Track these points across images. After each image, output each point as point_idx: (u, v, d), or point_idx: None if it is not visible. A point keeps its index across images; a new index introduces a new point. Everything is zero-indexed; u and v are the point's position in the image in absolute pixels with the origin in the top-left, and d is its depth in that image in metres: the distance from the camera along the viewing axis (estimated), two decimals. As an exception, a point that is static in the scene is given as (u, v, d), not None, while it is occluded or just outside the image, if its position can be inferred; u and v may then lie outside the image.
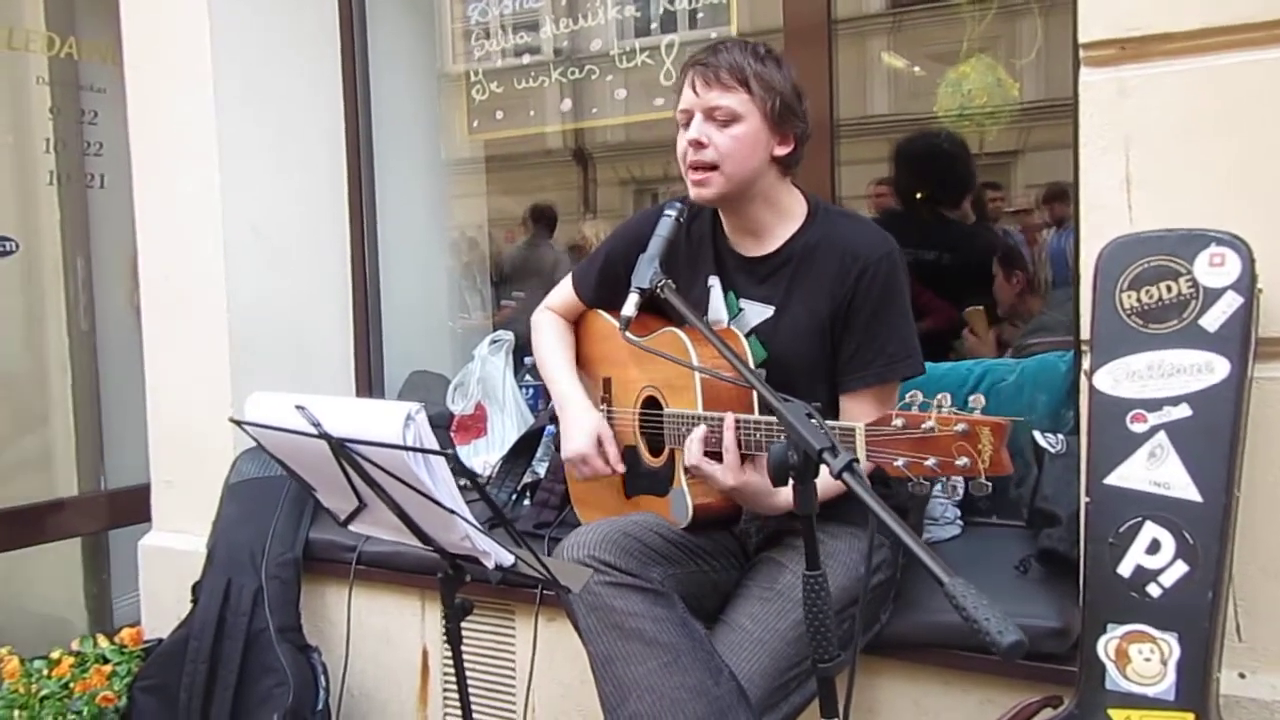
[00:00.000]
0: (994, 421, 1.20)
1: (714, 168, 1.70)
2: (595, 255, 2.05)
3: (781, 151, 1.74)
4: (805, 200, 1.83)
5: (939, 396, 1.25)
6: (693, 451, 1.62)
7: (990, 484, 1.22)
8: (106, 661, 2.48)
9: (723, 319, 1.84)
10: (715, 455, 1.62)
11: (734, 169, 1.70)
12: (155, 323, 2.83)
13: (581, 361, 2.08)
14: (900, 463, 1.27)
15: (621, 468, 1.90)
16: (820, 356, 1.75)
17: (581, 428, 1.90)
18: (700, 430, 1.63)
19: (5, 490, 3.13)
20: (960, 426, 1.21)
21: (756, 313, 1.81)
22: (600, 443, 1.88)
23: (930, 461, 1.23)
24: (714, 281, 1.86)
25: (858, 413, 1.63)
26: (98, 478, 3.43)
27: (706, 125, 1.69)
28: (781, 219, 1.80)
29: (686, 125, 1.73)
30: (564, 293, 2.10)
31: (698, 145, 1.70)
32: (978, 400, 1.23)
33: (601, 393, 2.02)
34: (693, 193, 1.75)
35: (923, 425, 1.24)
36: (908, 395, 1.28)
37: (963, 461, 1.21)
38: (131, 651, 2.52)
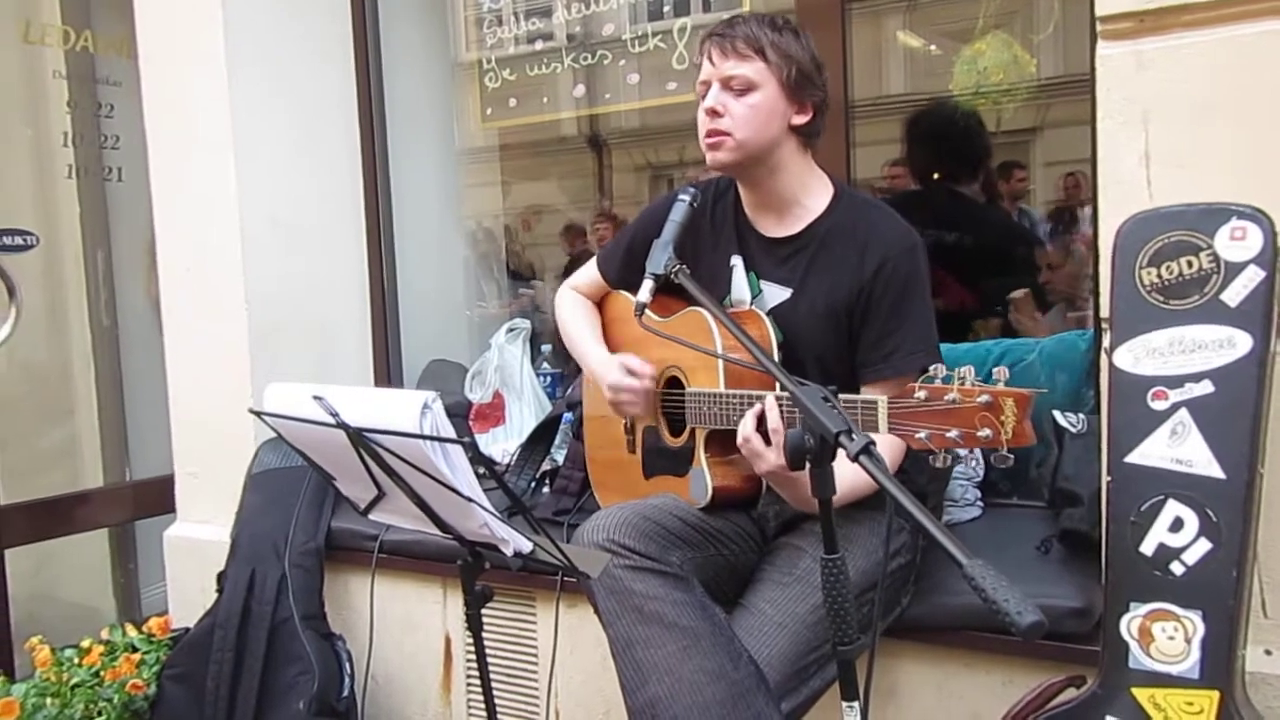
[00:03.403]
0: (1018, 392, 1.20)
1: (729, 134, 1.71)
2: (621, 237, 2.06)
3: (800, 120, 1.74)
4: (831, 184, 1.82)
5: (962, 369, 1.24)
6: (747, 424, 1.56)
7: (1013, 456, 1.21)
8: (135, 650, 2.51)
9: (745, 299, 1.84)
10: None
11: (748, 135, 1.71)
12: (175, 314, 2.85)
13: (606, 343, 2.09)
14: (922, 435, 1.26)
15: (652, 369, 1.86)
16: (834, 342, 1.75)
17: (606, 368, 1.90)
18: (757, 407, 1.57)
19: (34, 482, 3.17)
20: (984, 398, 1.20)
21: (774, 294, 1.81)
22: (628, 370, 1.85)
23: (953, 433, 1.23)
24: (737, 261, 1.86)
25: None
26: (123, 469, 3.47)
27: (723, 94, 1.71)
28: (804, 197, 1.80)
29: (703, 95, 1.74)
30: (589, 273, 2.11)
31: (713, 114, 1.71)
32: (1001, 373, 1.22)
33: None
34: (708, 158, 1.75)
35: (945, 397, 1.23)
36: (931, 369, 1.28)
37: (985, 433, 1.21)
38: (159, 640, 2.55)
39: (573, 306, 2.11)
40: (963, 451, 1.32)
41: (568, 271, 3.94)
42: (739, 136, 1.71)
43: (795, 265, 1.79)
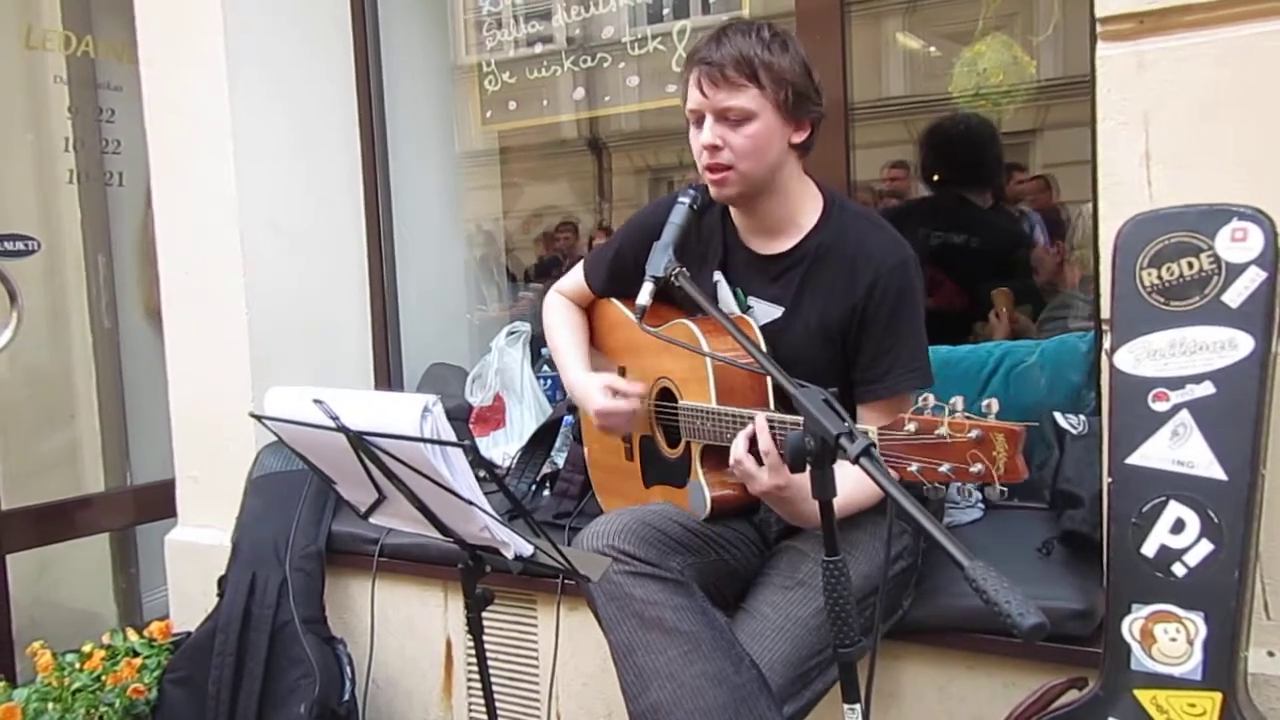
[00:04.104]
0: (1008, 428, 1.17)
1: (731, 167, 1.67)
2: (608, 245, 2.04)
3: (799, 139, 1.71)
4: (821, 195, 1.79)
5: (952, 400, 1.23)
6: (739, 447, 1.55)
7: (1006, 490, 1.19)
8: (137, 654, 2.51)
9: (734, 313, 1.83)
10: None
11: (751, 167, 1.67)
12: (176, 318, 2.85)
13: (596, 349, 2.08)
14: (914, 468, 1.24)
15: (640, 388, 1.86)
16: (827, 360, 1.73)
17: (591, 389, 1.87)
18: (749, 429, 1.56)
19: (35, 487, 3.17)
20: (974, 433, 1.18)
21: (764, 312, 1.79)
22: (613, 390, 1.85)
23: (944, 468, 1.21)
24: (719, 277, 1.84)
25: (871, 422, 1.60)
26: (124, 474, 3.47)
27: (719, 126, 1.65)
28: (795, 215, 1.77)
29: (698, 124, 1.68)
30: (575, 279, 2.09)
31: (714, 149, 1.66)
32: (991, 405, 1.20)
33: None
34: (713, 192, 1.72)
35: (936, 431, 1.21)
36: (920, 399, 1.26)
37: (977, 468, 1.19)
38: (161, 645, 2.55)
39: (559, 315, 2.08)
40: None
41: (538, 272, 3.95)
42: (742, 168, 1.66)
43: (787, 284, 1.77)
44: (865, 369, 1.71)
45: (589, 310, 2.11)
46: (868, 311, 1.69)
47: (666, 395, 1.87)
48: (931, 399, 1.24)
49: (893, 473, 1.28)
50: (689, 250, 1.83)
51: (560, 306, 2.10)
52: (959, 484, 1.22)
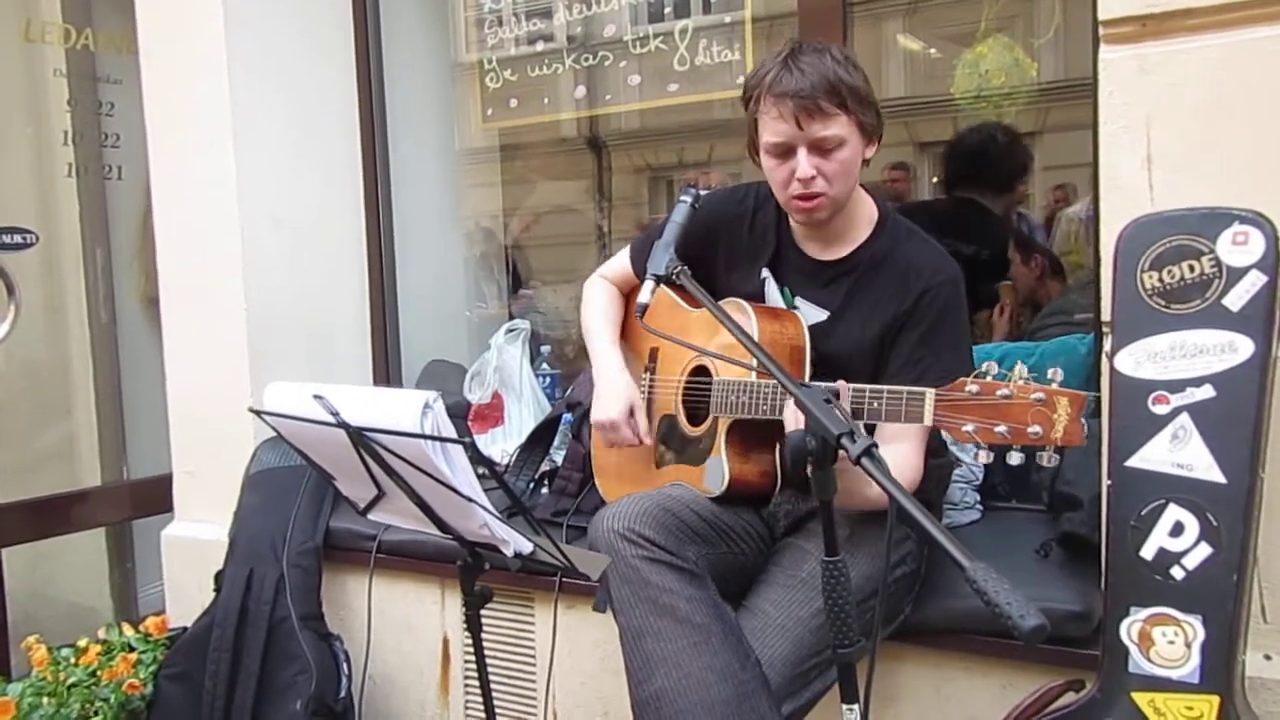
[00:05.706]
0: (1074, 393, 1.21)
1: (824, 194, 1.68)
2: (652, 231, 2.04)
3: (870, 153, 1.73)
4: (876, 206, 1.82)
5: (1018, 366, 1.26)
6: (789, 418, 1.54)
7: (1059, 455, 1.22)
8: (132, 650, 2.50)
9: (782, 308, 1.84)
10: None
11: (840, 190, 1.69)
12: (174, 313, 2.85)
13: (629, 333, 2.08)
14: (969, 428, 1.27)
15: (649, 439, 1.90)
16: (869, 368, 1.74)
17: (615, 393, 1.90)
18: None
19: (31, 481, 3.17)
20: (1038, 395, 1.21)
21: (811, 314, 1.80)
22: (631, 411, 1.88)
23: (1000, 428, 1.24)
24: (766, 274, 1.86)
25: (889, 426, 1.59)
26: (120, 468, 3.47)
27: (813, 157, 1.65)
28: (852, 225, 1.79)
29: (781, 155, 1.67)
30: (620, 263, 2.10)
31: (810, 180, 1.66)
32: (1056, 373, 1.24)
33: (646, 362, 2.03)
34: (802, 218, 1.74)
35: (998, 392, 1.24)
36: (983, 365, 1.28)
37: (1035, 430, 1.21)
38: (157, 640, 2.54)
39: (597, 297, 2.09)
40: (983, 456, 1.32)
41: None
42: (834, 193, 1.68)
43: (836, 289, 1.79)
44: (894, 375, 1.70)
45: (628, 295, 2.11)
46: (910, 319, 1.70)
47: (701, 373, 1.87)
48: (996, 366, 1.25)
49: (947, 434, 1.29)
50: (742, 246, 1.86)
51: (600, 291, 2.10)
52: (1014, 448, 1.25)
